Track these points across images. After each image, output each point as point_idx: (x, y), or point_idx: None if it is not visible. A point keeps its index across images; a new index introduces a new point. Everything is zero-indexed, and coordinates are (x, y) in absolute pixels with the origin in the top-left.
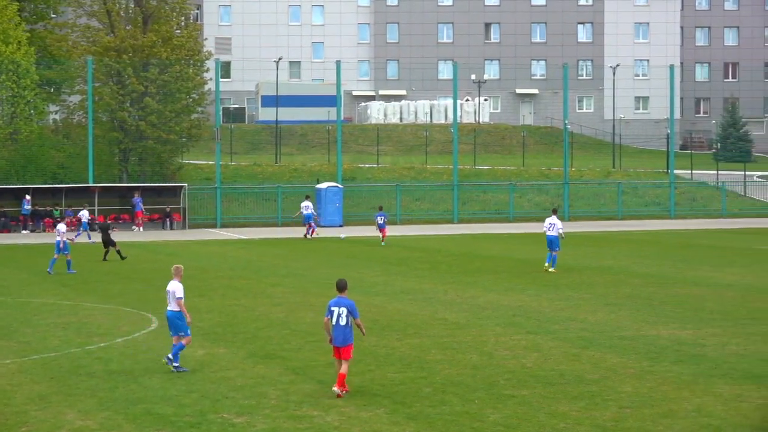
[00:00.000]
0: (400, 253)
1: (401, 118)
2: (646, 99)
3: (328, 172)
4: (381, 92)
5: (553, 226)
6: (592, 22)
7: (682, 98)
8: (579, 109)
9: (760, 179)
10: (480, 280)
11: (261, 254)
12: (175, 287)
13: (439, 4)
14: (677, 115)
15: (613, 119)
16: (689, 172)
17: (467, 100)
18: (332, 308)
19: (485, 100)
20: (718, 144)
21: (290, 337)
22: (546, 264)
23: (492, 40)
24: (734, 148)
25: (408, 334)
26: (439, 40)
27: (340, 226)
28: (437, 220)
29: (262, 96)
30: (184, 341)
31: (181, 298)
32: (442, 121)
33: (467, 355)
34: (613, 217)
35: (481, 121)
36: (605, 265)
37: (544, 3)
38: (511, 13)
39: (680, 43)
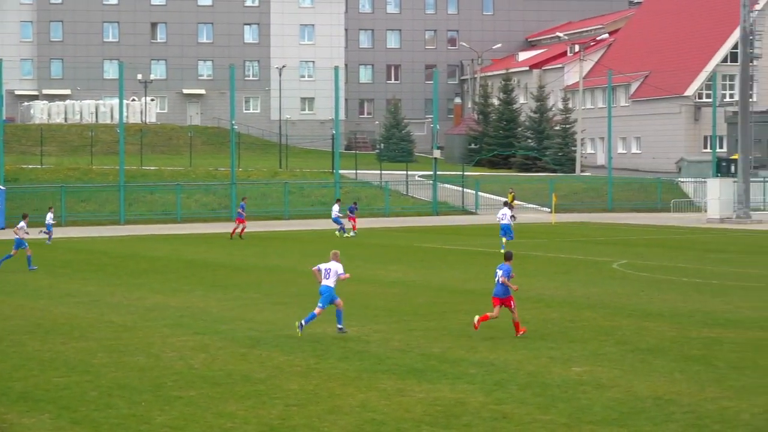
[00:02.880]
0: (64, 255)
1: (66, 118)
2: (312, 100)
3: None
4: (45, 92)
5: (505, 215)
6: (258, 23)
7: (346, 99)
8: (246, 109)
9: (421, 179)
10: (147, 282)
11: None
12: (336, 266)
13: (104, 2)
14: (342, 116)
15: (280, 120)
16: (354, 171)
17: (133, 100)
18: (497, 270)
19: (152, 100)
20: (382, 144)
21: None
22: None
23: (158, 40)
24: (397, 148)
25: (73, 337)
26: (105, 40)
27: (2, 229)
28: (104, 222)
29: None
30: (341, 306)
31: (344, 274)
32: (108, 122)
33: (134, 358)
34: (279, 216)
35: (147, 121)
36: (272, 264)
37: (210, 3)
38: (178, 12)
39: (345, 45)
